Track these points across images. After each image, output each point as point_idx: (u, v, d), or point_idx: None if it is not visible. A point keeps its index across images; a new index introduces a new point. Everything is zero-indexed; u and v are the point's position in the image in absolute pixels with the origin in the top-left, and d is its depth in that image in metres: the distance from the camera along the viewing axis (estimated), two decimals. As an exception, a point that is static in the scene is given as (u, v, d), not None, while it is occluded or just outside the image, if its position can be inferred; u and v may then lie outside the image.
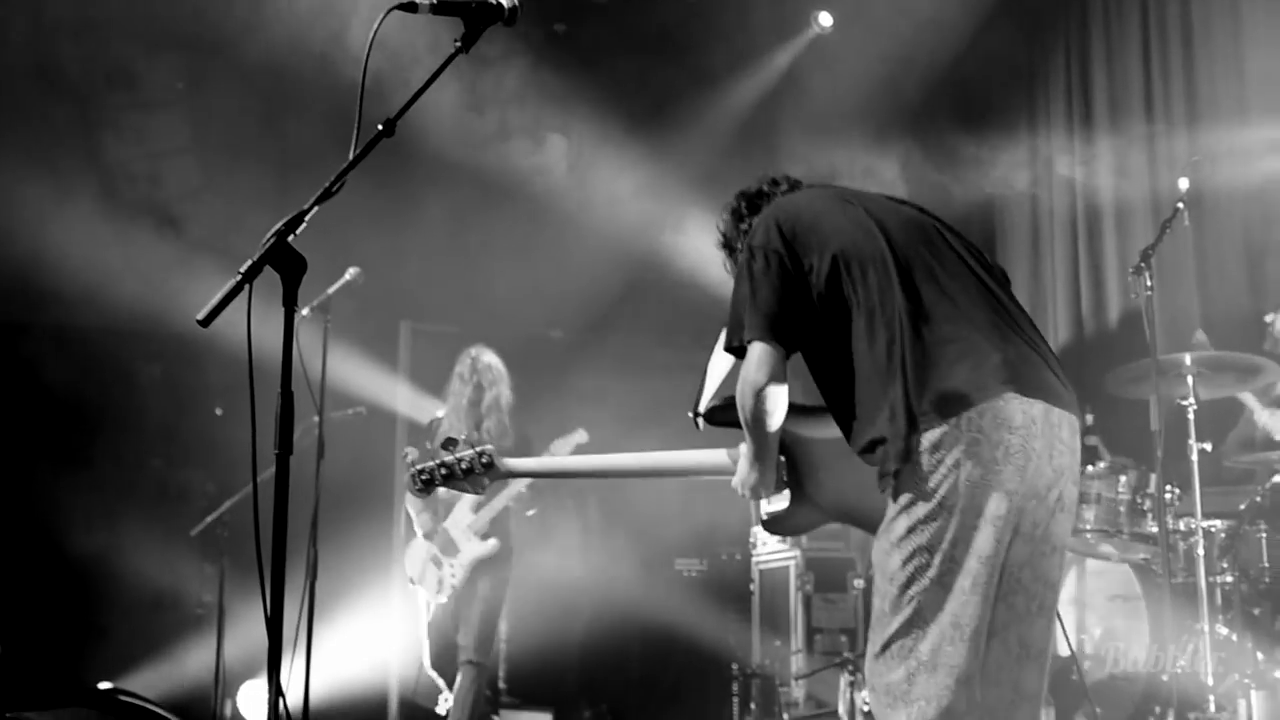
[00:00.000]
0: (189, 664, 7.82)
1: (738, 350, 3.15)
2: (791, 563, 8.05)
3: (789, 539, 8.09)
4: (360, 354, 7.91)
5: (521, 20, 2.87)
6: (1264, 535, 5.44)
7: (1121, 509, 5.50)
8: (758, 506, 8.05)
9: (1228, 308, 7.00)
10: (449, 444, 3.78)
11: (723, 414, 3.51)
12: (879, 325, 2.98)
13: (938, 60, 8.68)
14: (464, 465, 3.76)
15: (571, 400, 8.77)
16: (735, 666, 7.99)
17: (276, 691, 2.60)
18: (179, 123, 8.03)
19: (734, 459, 3.47)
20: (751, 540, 8.63)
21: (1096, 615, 5.77)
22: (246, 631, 7.09)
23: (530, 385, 7.27)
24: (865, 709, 6.86)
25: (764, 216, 3.25)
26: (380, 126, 2.75)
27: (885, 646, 2.88)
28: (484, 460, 3.77)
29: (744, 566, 8.67)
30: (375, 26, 2.79)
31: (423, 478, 3.78)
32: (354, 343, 7.49)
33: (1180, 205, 5.20)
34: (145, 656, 7.85)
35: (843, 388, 3.07)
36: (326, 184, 2.65)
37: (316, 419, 5.46)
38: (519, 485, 6.64)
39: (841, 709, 6.88)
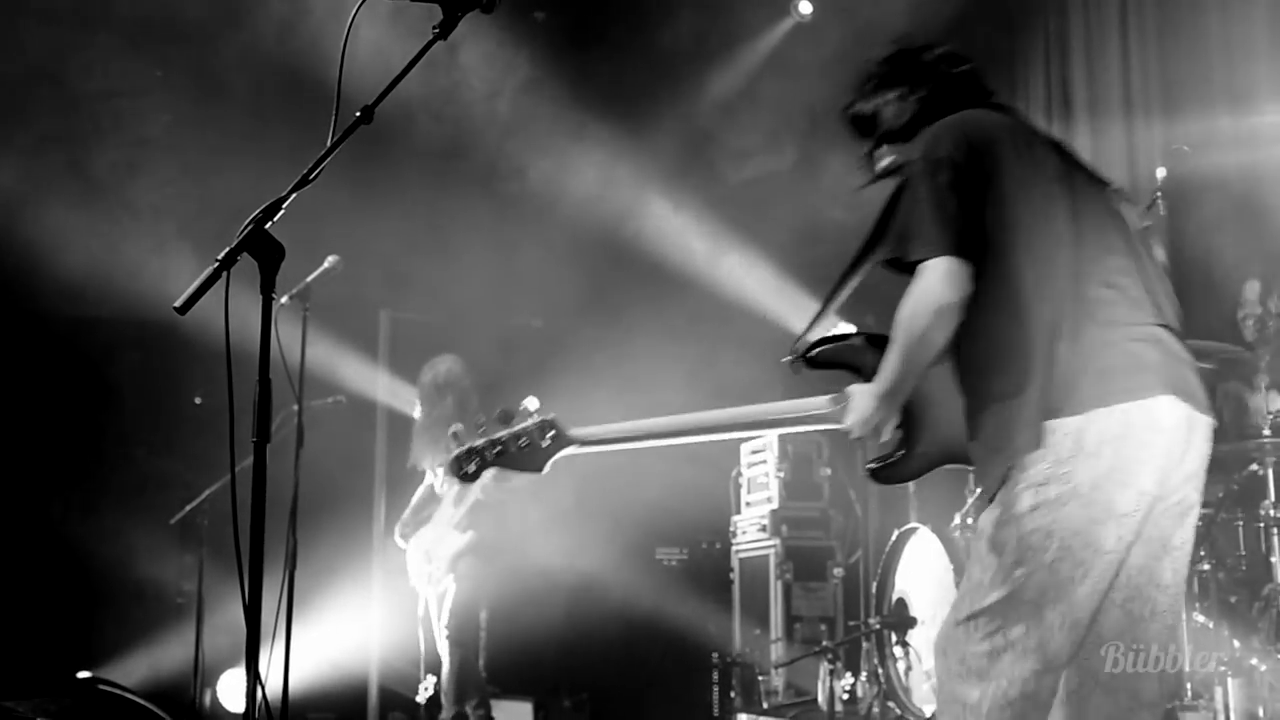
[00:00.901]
0: (169, 653, 7.80)
1: (901, 264, 2.92)
2: (771, 551, 8.07)
3: (770, 531, 8.12)
4: (340, 342, 7.89)
5: (500, 7, 2.86)
6: (1240, 523, 5.47)
7: (1099, 497, 5.51)
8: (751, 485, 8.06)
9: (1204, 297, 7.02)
10: (504, 416, 3.29)
11: (833, 353, 3.27)
12: (1047, 286, 2.82)
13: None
14: (522, 440, 3.24)
15: (552, 389, 8.75)
16: (715, 655, 8.01)
17: (255, 680, 2.60)
18: (157, 110, 7.98)
19: (839, 402, 3.15)
20: (731, 529, 8.65)
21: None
22: (226, 621, 7.09)
23: (510, 374, 7.28)
24: (844, 696, 6.89)
25: (957, 127, 3.00)
26: (358, 113, 2.75)
27: (973, 616, 2.79)
28: (548, 431, 3.26)
29: (724, 555, 8.70)
30: (352, 14, 2.79)
31: (472, 461, 3.26)
32: (333, 331, 7.47)
33: (1158, 194, 5.21)
34: (125, 645, 7.84)
35: (981, 338, 2.88)
36: (304, 171, 2.65)
37: (296, 407, 5.45)
38: (489, 474, 6.63)
39: (821, 697, 6.91)
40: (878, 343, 3.09)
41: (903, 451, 3.20)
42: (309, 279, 5.68)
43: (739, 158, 9.22)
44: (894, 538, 6.83)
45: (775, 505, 8.19)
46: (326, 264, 5.75)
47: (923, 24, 8.40)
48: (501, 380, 6.94)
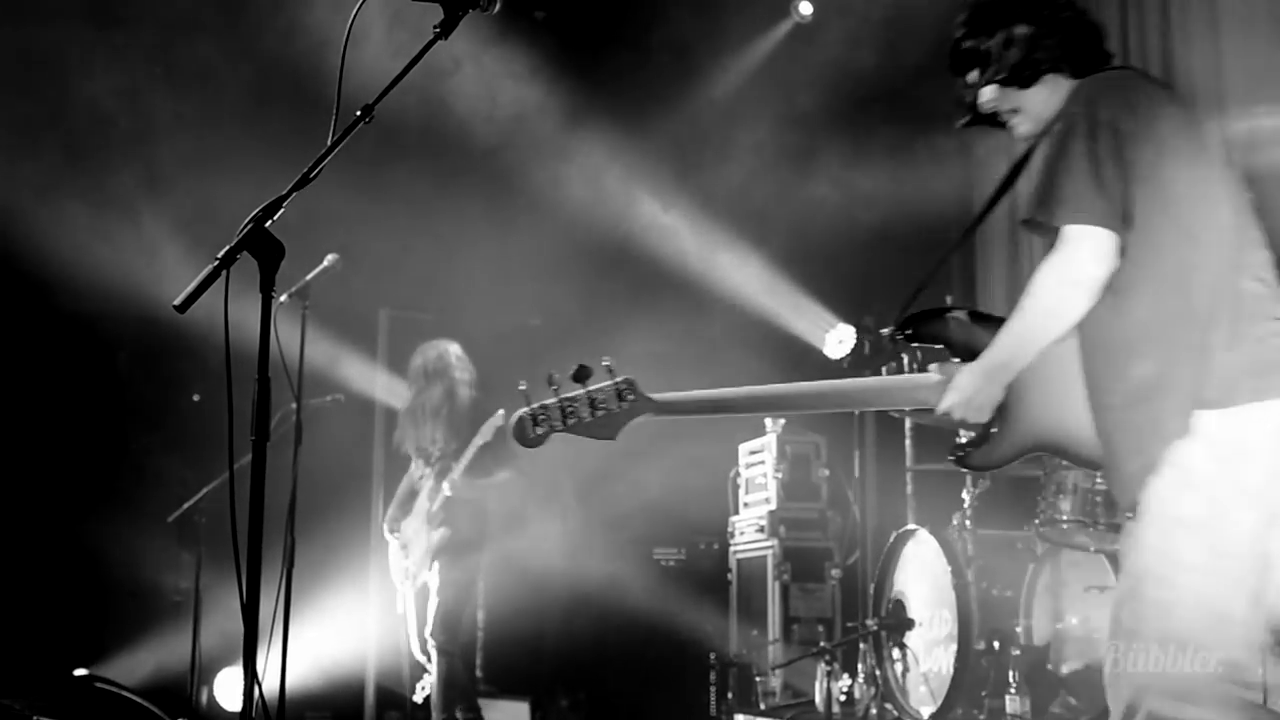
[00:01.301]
0: (165, 651, 7.79)
1: (1040, 226, 2.75)
2: (769, 552, 8.07)
3: (768, 532, 8.12)
4: (338, 341, 7.89)
5: (501, 6, 2.86)
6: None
7: (1098, 499, 5.52)
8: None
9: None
10: (581, 374, 2.96)
11: (936, 328, 3.04)
12: (1204, 273, 2.66)
13: (917, 48, 8.68)
14: (599, 402, 2.95)
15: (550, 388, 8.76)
16: (712, 656, 8.01)
17: (252, 679, 2.59)
18: (158, 105, 7.98)
19: (945, 376, 2.92)
20: (729, 530, 8.65)
21: (1072, 605, 5.80)
22: (223, 619, 7.07)
23: (508, 373, 7.25)
24: (841, 698, 6.88)
25: (1121, 89, 2.82)
26: (359, 112, 2.75)
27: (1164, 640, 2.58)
28: (626, 395, 2.97)
29: (722, 556, 8.70)
30: (354, 12, 2.78)
31: (541, 424, 2.94)
32: (332, 329, 7.47)
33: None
34: (121, 643, 7.82)
35: (1121, 319, 2.71)
36: (305, 170, 2.64)
37: (294, 406, 5.45)
38: (457, 470, 6.66)
39: (818, 698, 6.90)
40: (982, 320, 2.96)
41: (994, 434, 2.95)
42: (308, 277, 5.68)
43: (738, 158, 9.21)
44: (892, 539, 6.83)
45: (773, 506, 8.19)
46: (326, 262, 5.75)
47: (920, 25, 8.43)
48: (498, 379, 6.92)
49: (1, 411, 7.84)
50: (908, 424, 7.26)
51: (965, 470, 3.32)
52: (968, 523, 6.52)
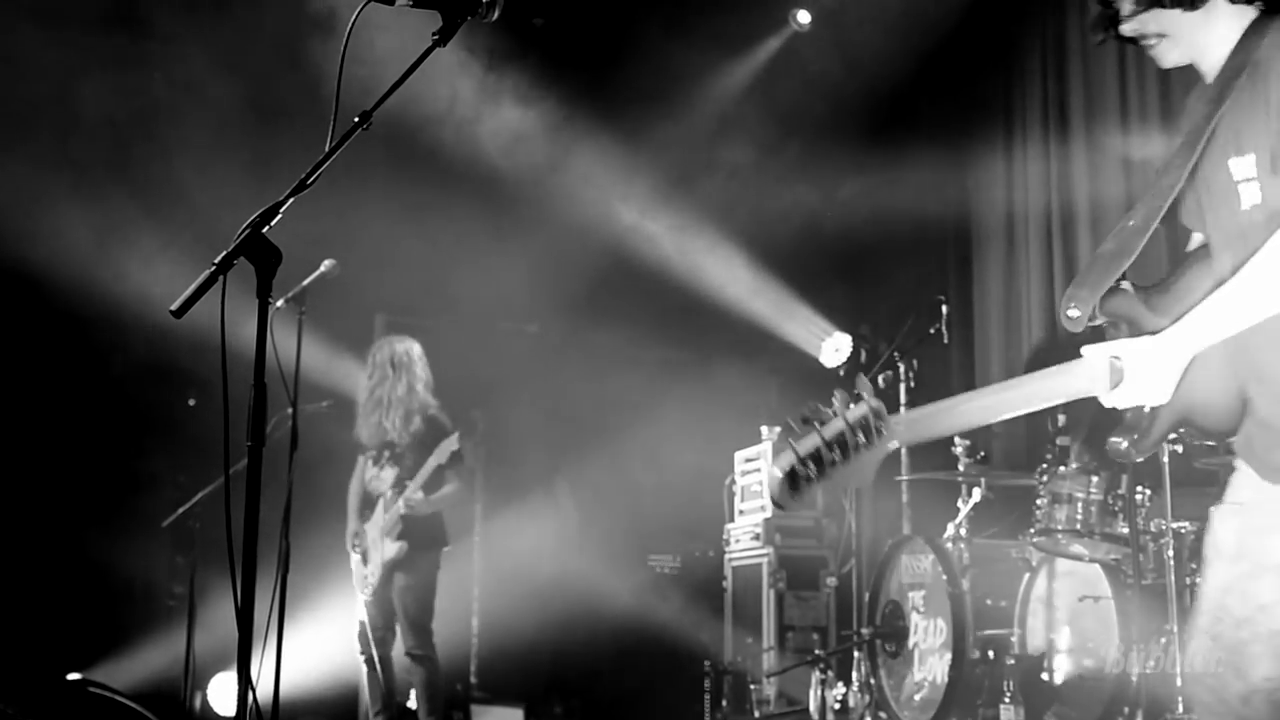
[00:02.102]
0: (159, 655, 7.78)
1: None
2: (764, 560, 8.07)
3: (763, 539, 8.11)
4: (334, 346, 7.89)
5: (500, 13, 2.87)
6: (1233, 537, 5.46)
7: (1093, 509, 5.52)
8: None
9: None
10: (815, 415, 2.32)
11: (1117, 303, 2.63)
12: None
13: (913, 60, 8.70)
14: (861, 436, 2.32)
15: (547, 394, 8.76)
16: (707, 663, 8.00)
17: (246, 684, 2.59)
18: (157, 109, 7.98)
19: (1112, 356, 2.54)
20: (724, 537, 8.64)
21: (1066, 615, 5.80)
22: (217, 623, 7.06)
23: (506, 379, 7.27)
24: (836, 706, 6.88)
25: None
26: (357, 119, 2.75)
27: None
28: (881, 425, 2.35)
29: (717, 563, 8.69)
30: (353, 19, 2.78)
31: (811, 471, 2.28)
32: (328, 335, 7.46)
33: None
34: (115, 647, 7.82)
35: None
36: (302, 176, 2.64)
37: (290, 411, 5.44)
38: (413, 489, 6.70)
39: (812, 706, 6.90)
40: (1143, 294, 2.66)
41: (1152, 413, 2.60)
42: (305, 283, 5.68)
43: (734, 167, 9.23)
44: (887, 548, 6.83)
45: (768, 514, 8.18)
46: (322, 268, 5.75)
47: (920, 34, 8.45)
48: (496, 386, 6.92)
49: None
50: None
51: (1125, 461, 2.81)
52: (963, 531, 6.52)
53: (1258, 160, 2.51)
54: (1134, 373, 2.52)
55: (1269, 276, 2.39)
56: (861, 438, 2.31)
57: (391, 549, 6.73)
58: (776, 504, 2.31)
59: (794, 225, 8.65)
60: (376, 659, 6.78)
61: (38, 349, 8.00)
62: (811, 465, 2.28)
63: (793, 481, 2.27)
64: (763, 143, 9.07)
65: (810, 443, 2.29)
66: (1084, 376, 2.54)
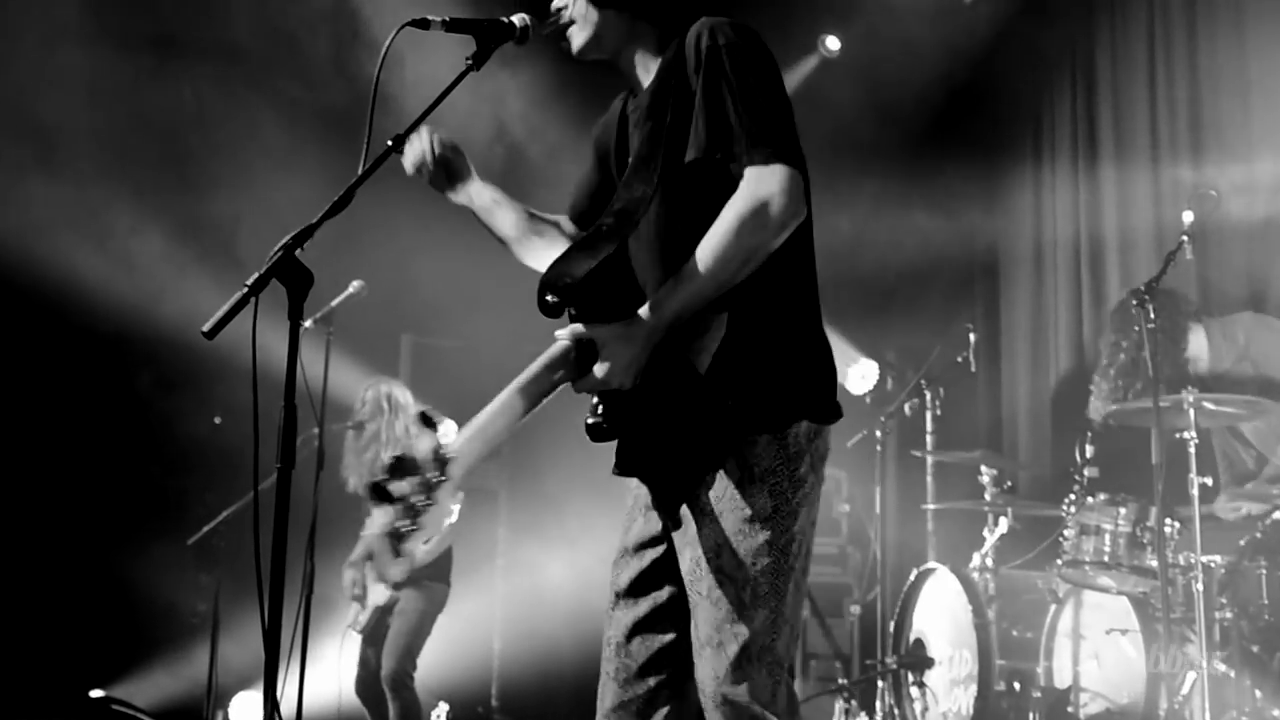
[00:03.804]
0: (182, 673, 7.78)
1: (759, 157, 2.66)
2: (788, 586, 8.02)
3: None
4: (361, 367, 7.90)
5: (534, 39, 2.88)
6: (1264, 572, 5.41)
7: (1121, 541, 5.48)
8: None
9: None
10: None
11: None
12: None
13: (943, 88, 8.70)
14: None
15: (574, 413, 8.72)
16: (729, 690, 7.95)
17: (272, 705, 2.58)
18: (187, 127, 8.03)
19: (590, 339, 2.56)
20: (748, 563, 8.60)
21: (1093, 648, 5.75)
22: (240, 642, 7.07)
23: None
24: (859, 736, 6.84)
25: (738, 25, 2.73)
26: (390, 142, 2.76)
27: None
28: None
29: (740, 589, 8.64)
30: (387, 43, 2.79)
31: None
32: (355, 355, 7.48)
33: (1185, 238, 5.19)
34: (138, 665, 7.82)
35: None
36: (335, 199, 2.65)
37: (316, 431, 5.46)
38: (417, 543, 6.60)
39: (835, 735, 6.86)
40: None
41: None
42: (334, 304, 5.70)
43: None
44: (913, 577, 6.79)
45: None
46: (351, 289, 5.78)
47: (949, 62, 8.45)
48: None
49: (23, 432, 7.87)
50: (929, 461, 7.23)
51: (600, 442, 2.74)
52: (989, 561, 6.48)
53: None
54: (613, 356, 2.55)
55: (724, 248, 2.57)
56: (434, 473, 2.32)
57: (379, 595, 6.65)
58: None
59: (822, 252, 8.63)
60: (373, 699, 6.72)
61: (64, 366, 8.03)
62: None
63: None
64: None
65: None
66: (558, 365, 2.56)
